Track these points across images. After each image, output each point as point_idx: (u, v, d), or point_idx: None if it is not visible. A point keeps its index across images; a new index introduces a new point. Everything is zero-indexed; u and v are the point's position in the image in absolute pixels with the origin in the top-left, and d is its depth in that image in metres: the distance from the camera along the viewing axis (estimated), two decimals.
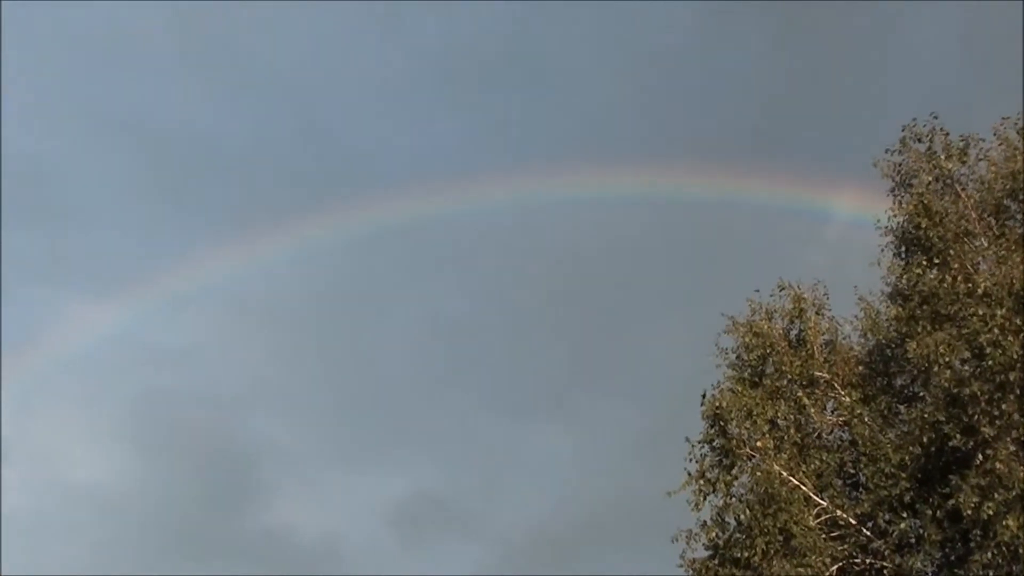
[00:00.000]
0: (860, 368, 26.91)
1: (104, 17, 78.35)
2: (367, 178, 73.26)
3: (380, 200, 56.99)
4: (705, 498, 25.79)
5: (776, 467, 25.24)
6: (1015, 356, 23.25)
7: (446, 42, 79.81)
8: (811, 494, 25.32)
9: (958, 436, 23.66)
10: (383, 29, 79.34)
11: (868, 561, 24.99)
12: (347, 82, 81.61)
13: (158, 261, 69.07)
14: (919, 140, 26.61)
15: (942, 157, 26.39)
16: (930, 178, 26.35)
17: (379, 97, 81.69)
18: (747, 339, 27.10)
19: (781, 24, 71.01)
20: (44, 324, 66.87)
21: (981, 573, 23.26)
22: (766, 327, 27.13)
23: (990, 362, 23.35)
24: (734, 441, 25.85)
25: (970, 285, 24.49)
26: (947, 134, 26.45)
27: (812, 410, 26.49)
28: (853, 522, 25.17)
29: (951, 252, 25.46)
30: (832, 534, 25.18)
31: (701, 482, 25.83)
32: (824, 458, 25.96)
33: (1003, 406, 23.17)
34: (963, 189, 26.30)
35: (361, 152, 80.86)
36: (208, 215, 76.51)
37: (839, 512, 25.25)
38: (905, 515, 24.71)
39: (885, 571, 24.80)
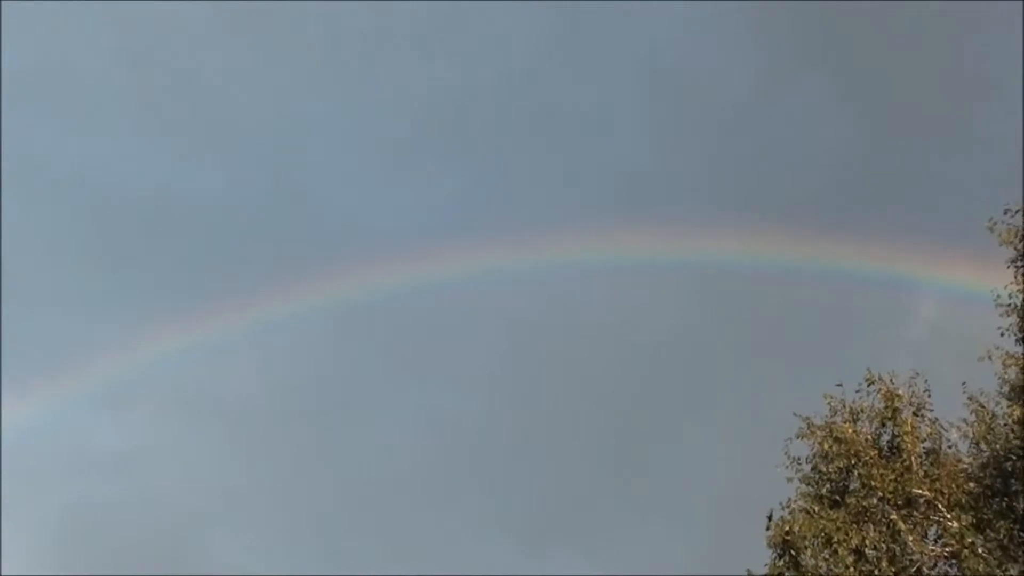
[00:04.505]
0: (971, 485, 24.62)
1: (44, 57, 73.03)
2: (348, 247, 65.56)
3: (364, 272, 53.29)
4: None
5: None
6: None
7: (455, 92, 72.85)
8: None
9: None
10: (373, 74, 73.15)
11: None
12: (328, 137, 74.61)
13: (98, 345, 61.73)
14: None
15: None
16: None
17: (367, 153, 75.33)
18: (826, 446, 24.96)
19: (871, 77, 65.67)
20: None
21: None
22: (850, 431, 24.98)
23: None
24: (809, 575, 24.18)
25: None
26: None
27: (910, 538, 24.33)
28: None
29: None
30: None
31: None
32: None
33: None
34: None
35: (341, 216, 73.17)
36: (160, 290, 68.30)
37: None
38: None
39: None
